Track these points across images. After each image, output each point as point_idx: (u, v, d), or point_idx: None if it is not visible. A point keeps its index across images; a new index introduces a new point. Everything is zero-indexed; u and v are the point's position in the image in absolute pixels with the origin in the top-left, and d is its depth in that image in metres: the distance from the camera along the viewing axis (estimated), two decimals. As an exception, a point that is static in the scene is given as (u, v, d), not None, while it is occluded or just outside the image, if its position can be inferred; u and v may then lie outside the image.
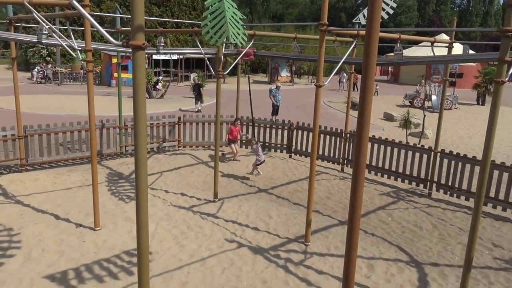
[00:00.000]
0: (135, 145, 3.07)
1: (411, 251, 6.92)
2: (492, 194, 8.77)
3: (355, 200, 2.99)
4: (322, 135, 11.63)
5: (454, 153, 9.49)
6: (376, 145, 10.72)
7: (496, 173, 8.78)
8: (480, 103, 28.68)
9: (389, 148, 10.51)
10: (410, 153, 10.14)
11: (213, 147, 12.25)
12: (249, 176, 10.39)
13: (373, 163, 10.80)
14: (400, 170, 10.32)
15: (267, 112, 18.64)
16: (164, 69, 38.99)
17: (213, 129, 11.78)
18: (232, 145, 11.43)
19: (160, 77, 30.46)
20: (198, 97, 21.65)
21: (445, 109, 20.88)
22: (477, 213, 4.88)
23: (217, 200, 8.66)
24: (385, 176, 10.62)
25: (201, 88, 21.92)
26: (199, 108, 21.51)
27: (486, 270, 6.40)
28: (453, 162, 9.35)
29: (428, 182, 9.76)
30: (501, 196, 8.65)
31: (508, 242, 7.37)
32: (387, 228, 7.82)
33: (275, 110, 18.55)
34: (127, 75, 30.07)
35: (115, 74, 31.21)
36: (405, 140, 14.58)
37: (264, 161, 10.32)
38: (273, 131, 12.62)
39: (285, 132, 12.50)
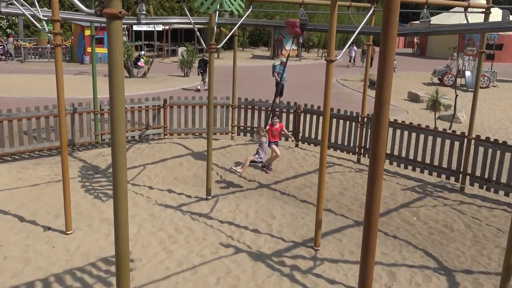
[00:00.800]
0: (112, 133, 3.07)
1: (440, 256, 6.96)
2: (536, 188, 8.79)
3: (373, 196, 2.99)
4: (334, 120, 11.62)
5: (492, 139, 9.48)
6: (398, 131, 10.71)
7: (541, 163, 8.79)
8: (523, 80, 28.57)
9: (414, 135, 10.50)
10: (439, 140, 10.13)
11: (205, 135, 12.25)
12: (235, 169, 10.02)
13: (395, 153, 10.81)
14: (427, 161, 10.32)
15: (270, 93, 18.58)
16: (146, 42, 38.82)
17: (206, 114, 11.76)
18: (273, 146, 10.39)
19: (142, 52, 30.31)
20: (205, 74, 21.95)
21: (481, 88, 20.83)
22: (518, 210, 4.88)
23: (210, 197, 8.68)
24: (409, 167, 10.63)
25: (207, 64, 22.09)
26: (206, 88, 21.77)
27: (528, 277, 6.44)
28: (490, 151, 9.34)
29: (461, 175, 9.77)
30: (547, 190, 8.68)
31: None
32: (412, 229, 7.86)
33: (279, 90, 18.49)
34: (102, 50, 29.96)
35: (89, 49, 31.09)
36: (434, 125, 14.58)
37: (263, 162, 10.05)
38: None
39: (291, 116, 12.49)
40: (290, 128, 12.51)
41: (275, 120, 10.52)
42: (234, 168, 9.74)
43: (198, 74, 23.23)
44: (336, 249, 6.95)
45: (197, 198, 8.70)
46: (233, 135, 12.93)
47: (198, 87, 22.28)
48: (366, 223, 3.07)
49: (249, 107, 12.79)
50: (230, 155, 11.40)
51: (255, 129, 12.00)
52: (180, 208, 8.22)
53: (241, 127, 12.96)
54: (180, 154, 11.26)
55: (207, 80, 22.15)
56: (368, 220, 3.04)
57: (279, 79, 18.23)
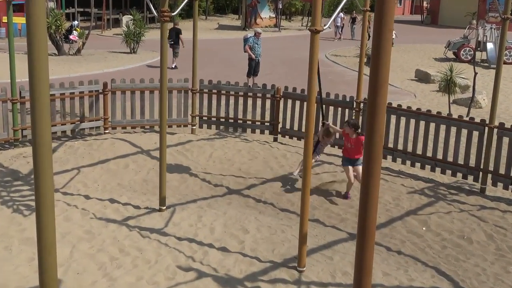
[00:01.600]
0: (33, 128, 3.05)
1: (456, 274, 7.07)
2: None
3: (368, 201, 3.03)
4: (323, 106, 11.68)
5: (518, 128, 9.65)
6: (403, 119, 10.80)
7: None
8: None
9: (422, 123, 10.61)
10: (453, 129, 10.27)
11: (158, 128, 12.20)
12: (292, 174, 10.08)
13: (399, 147, 10.90)
14: (439, 156, 10.45)
15: (241, 72, 18.62)
16: (81, 9, 38.41)
17: (157, 101, 11.71)
18: (350, 167, 9.40)
19: (75, 23, 29.99)
20: (176, 47, 21.80)
21: (505, 63, 21.14)
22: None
23: (165, 208, 8.65)
24: (417, 165, 10.75)
25: (180, 34, 21.96)
26: (175, 65, 21.66)
27: None
28: (516, 142, 9.51)
29: (481, 173, 9.92)
30: None
31: None
32: (421, 242, 7.96)
33: (253, 69, 18.52)
34: (23, 20, 29.48)
35: (4, 19, 30.59)
36: (447, 111, 14.79)
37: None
38: (250, 101, 12.60)
39: (268, 102, 12.51)
40: (267, 117, 12.51)
41: (357, 130, 9.22)
42: (295, 174, 9.96)
43: (170, 47, 22.99)
44: (326, 269, 6.99)
45: (147, 210, 8.65)
46: (194, 127, 12.89)
47: (175, 65, 22.34)
48: (359, 236, 3.10)
49: (214, 91, 12.73)
50: (191, 154, 11.37)
51: (321, 125, 10.56)
52: (125, 223, 8.16)
53: (204, 118, 12.93)
54: (126, 153, 11.19)
55: (179, 53, 22.14)
56: (362, 231, 3.07)
57: (253, 55, 18.28)
